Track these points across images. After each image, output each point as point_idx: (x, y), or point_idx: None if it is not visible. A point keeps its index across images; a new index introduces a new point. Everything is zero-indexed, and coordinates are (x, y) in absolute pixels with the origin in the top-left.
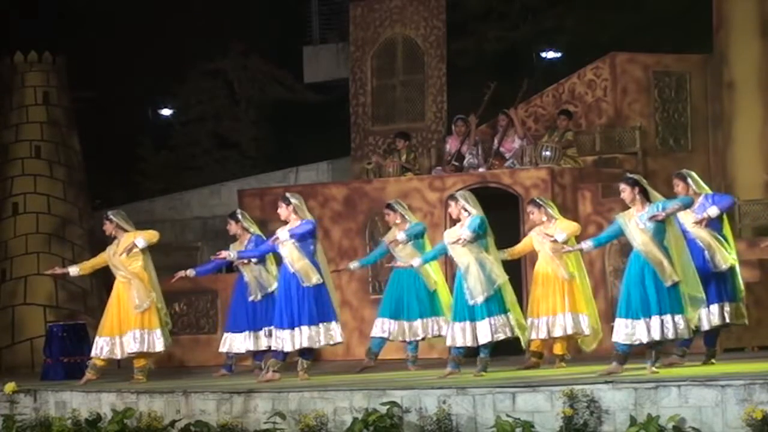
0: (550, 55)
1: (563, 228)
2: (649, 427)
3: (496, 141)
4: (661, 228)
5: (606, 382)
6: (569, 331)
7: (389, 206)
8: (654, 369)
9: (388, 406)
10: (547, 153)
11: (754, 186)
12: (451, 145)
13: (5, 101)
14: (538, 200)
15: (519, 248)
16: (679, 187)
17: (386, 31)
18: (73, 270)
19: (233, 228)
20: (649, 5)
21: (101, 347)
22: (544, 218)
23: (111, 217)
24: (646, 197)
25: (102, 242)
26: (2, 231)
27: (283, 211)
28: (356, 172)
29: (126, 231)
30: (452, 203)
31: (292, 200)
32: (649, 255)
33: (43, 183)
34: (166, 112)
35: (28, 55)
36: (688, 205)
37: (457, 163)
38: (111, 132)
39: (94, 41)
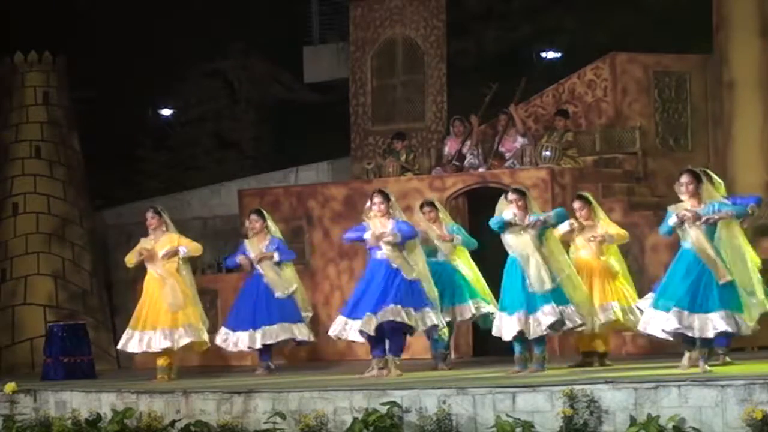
0: (550, 55)
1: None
2: (649, 427)
3: (495, 141)
4: (712, 228)
5: (606, 382)
6: (615, 318)
7: (429, 203)
8: (707, 368)
9: (388, 406)
10: (547, 153)
11: (754, 186)
12: (449, 146)
13: (5, 101)
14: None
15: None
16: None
17: (386, 31)
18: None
19: (257, 225)
20: (649, 5)
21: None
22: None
23: (161, 212)
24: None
25: (102, 242)
26: (2, 231)
27: (384, 206)
28: (356, 172)
29: (167, 231)
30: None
31: (391, 198)
32: (701, 253)
33: (43, 183)
34: (166, 112)
35: (28, 55)
36: (741, 215)
37: (458, 163)
38: (111, 132)
39: (94, 41)
